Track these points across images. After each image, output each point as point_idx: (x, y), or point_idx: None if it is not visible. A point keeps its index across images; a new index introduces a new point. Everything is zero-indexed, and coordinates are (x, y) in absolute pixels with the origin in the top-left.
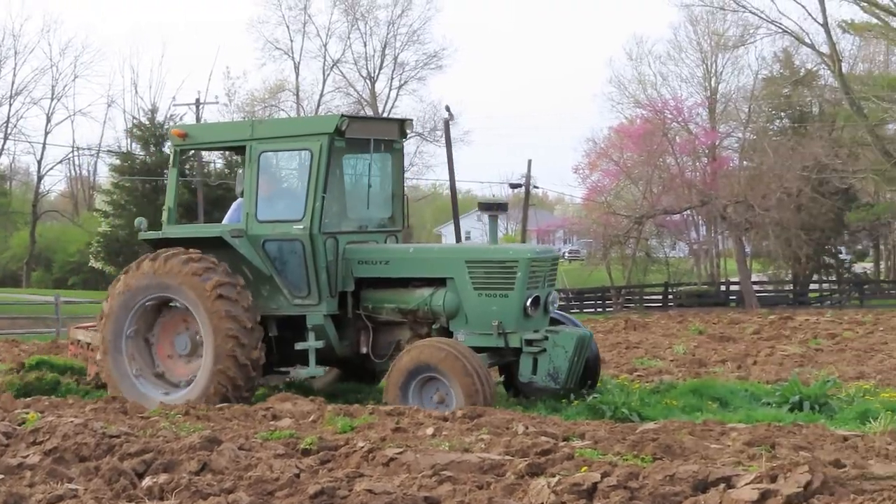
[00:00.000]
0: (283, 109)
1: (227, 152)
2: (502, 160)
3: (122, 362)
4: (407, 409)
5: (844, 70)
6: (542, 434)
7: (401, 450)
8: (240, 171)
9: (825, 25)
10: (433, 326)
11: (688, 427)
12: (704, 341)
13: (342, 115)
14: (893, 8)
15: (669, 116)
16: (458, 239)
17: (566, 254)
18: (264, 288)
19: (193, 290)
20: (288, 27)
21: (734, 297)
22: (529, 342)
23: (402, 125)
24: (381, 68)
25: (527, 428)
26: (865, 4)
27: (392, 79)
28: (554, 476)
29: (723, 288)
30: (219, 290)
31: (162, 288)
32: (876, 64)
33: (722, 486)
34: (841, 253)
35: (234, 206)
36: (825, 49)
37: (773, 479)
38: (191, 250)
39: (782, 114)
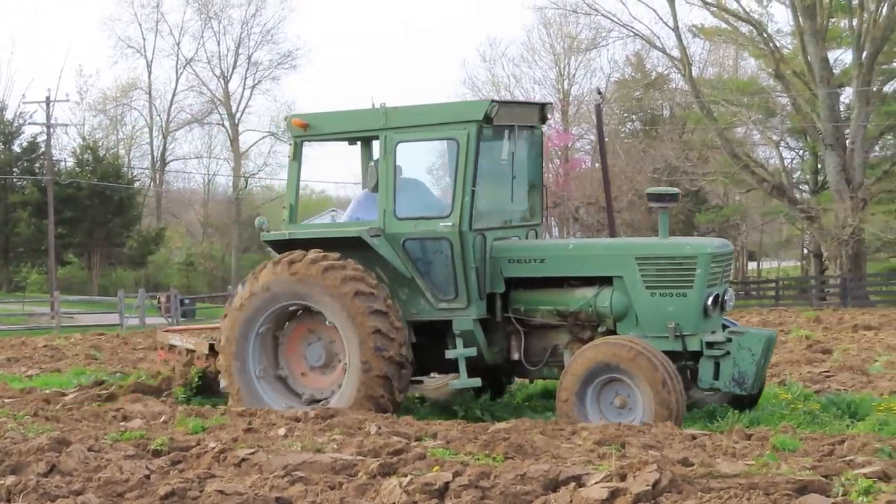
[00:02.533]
0: (135, 108)
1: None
2: (357, 162)
3: (244, 361)
4: (259, 409)
5: (695, 74)
6: (395, 434)
7: (252, 450)
8: (370, 163)
9: (676, 30)
10: (598, 329)
11: (539, 427)
12: None
13: (492, 101)
14: (742, 13)
15: None
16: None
17: None
18: (402, 291)
19: (329, 292)
20: (140, 25)
21: None
22: (711, 345)
23: (543, 109)
24: (234, 67)
25: (379, 428)
26: (715, 9)
27: (246, 78)
28: (406, 476)
29: None
30: (356, 286)
31: (300, 297)
32: (725, 68)
33: (572, 484)
34: None
35: (356, 200)
36: (676, 53)
37: (623, 478)
38: (327, 254)
39: (634, 116)
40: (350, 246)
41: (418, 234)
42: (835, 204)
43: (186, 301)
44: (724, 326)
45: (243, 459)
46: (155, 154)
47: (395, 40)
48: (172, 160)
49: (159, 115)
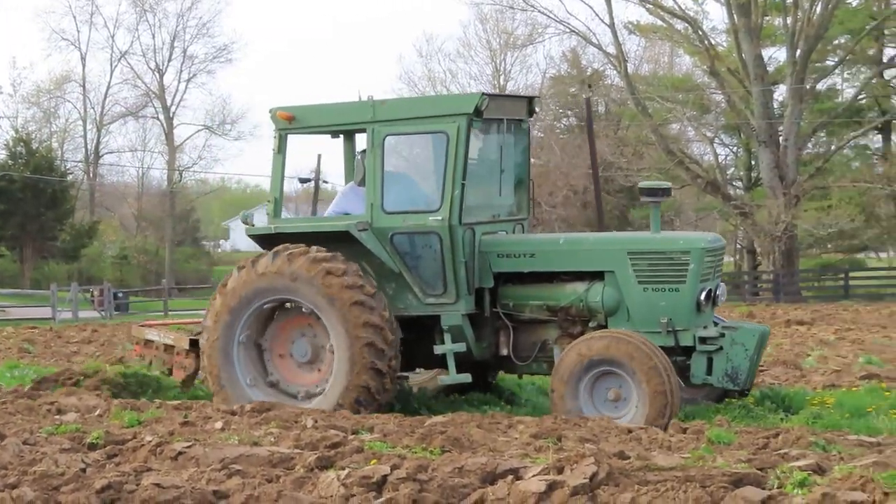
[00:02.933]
0: (68, 101)
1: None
2: (293, 155)
3: (233, 371)
4: (195, 402)
5: (630, 70)
6: (332, 427)
7: (189, 444)
8: (357, 156)
9: (612, 26)
10: (589, 325)
11: (476, 420)
12: None
13: (482, 94)
14: (678, 10)
15: None
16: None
17: None
18: (389, 286)
19: (326, 296)
20: (75, 17)
21: None
22: (703, 340)
23: (531, 103)
24: (169, 60)
25: (316, 422)
26: (651, 7)
27: (181, 71)
28: (343, 469)
29: None
30: (355, 295)
31: (286, 290)
32: (661, 65)
33: (510, 477)
34: None
35: (342, 193)
36: (612, 49)
37: (560, 471)
38: (312, 247)
39: (569, 112)
40: (337, 240)
41: (407, 228)
42: (768, 200)
43: (120, 295)
44: (715, 322)
45: (180, 453)
46: (89, 147)
47: (328, 35)
48: (106, 153)
49: (93, 108)
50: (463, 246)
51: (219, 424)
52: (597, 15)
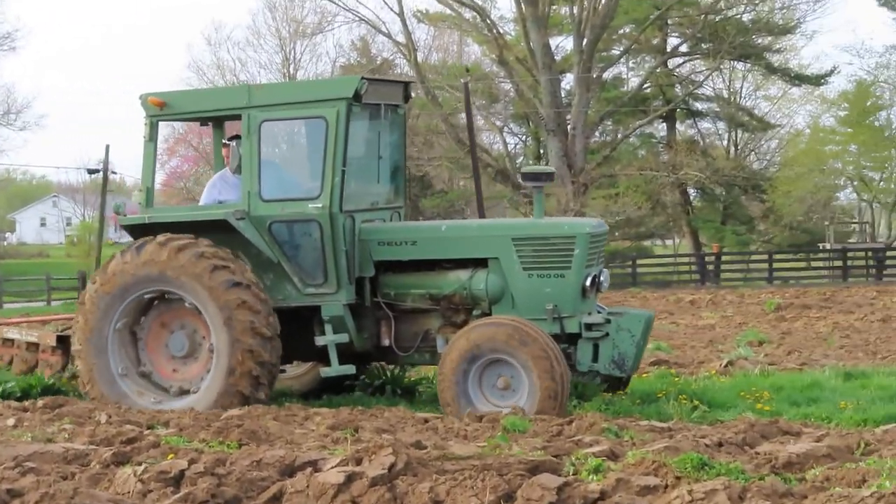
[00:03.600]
0: None
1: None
2: (80, 145)
3: (105, 358)
4: None
5: (420, 59)
6: (127, 423)
7: None
8: (232, 143)
9: (401, 15)
10: (472, 313)
11: (272, 413)
12: None
13: (362, 78)
14: (467, 0)
15: None
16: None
17: None
18: (267, 276)
19: (208, 291)
20: None
21: None
22: (589, 326)
23: (407, 88)
24: None
25: (110, 417)
26: None
27: None
28: (140, 464)
29: None
30: (239, 293)
31: (169, 282)
32: (450, 54)
33: (309, 469)
34: None
35: (212, 183)
36: (401, 38)
37: (359, 462)
38: (200, 240)
39: None
40: (212, 229)
41: (285, 216)
42: (557, 188)
43: None
44: (598, 310)
45: None
46: None
47: (116, 25)
48: None
49: None
50: (344, 234)
51: (11, 421)
52: (386, 3)
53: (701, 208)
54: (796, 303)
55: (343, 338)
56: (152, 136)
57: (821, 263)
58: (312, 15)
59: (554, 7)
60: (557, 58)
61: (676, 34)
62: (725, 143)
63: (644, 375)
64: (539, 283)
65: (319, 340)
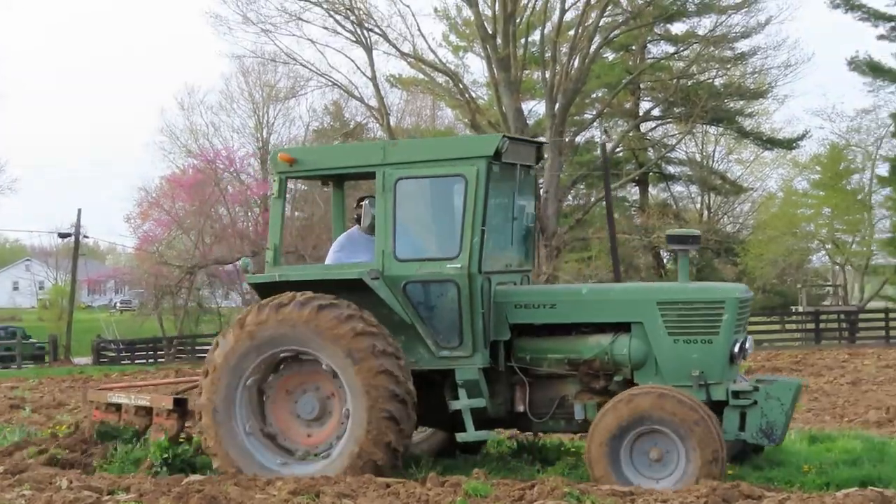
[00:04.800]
0: None
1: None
2: (52, 209)
3: (233, 415)
4: None
5: (392, 123)
6: (87, 488)
7: None
8: (365, 202)
9: (374, 80)
10: (613, 379)
11: (234, 479)
12: None
13: (503, 136)
14: (439, 64)
15: (221, 166)
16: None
17: (117, 304)
18: (399, 339)
19: (349, 355)
20: None
21: None
22: (737, 394)
23: (540, 149)
24: None
25: (70, 482)
26: (412, 60)
27: None
28: None
29: None
30: (382, 360)
31: (303, 342)
32: (423, 117)
33: None
34: None
35: (339, 243)
36: (374, 102)
37: None
38: (342, 301)
39: None
40: (343, 290)
41: (421, 276)
42: None
43: None
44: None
45: None
46: None
47: (91, 84)
48: None
49: None
50: (481, 296)
51: None
52: (358, 68)
53: (673, 271)
54: (767, 365)
55: (480, 402)
56: (281, 193)
57: (794, 326)
58: (285, 79)
59: (526, 72)
60: (530, 122)
61: (649, 98)
62: (698, 206)
63: None
64: (685, 348)
65: (455, 405)
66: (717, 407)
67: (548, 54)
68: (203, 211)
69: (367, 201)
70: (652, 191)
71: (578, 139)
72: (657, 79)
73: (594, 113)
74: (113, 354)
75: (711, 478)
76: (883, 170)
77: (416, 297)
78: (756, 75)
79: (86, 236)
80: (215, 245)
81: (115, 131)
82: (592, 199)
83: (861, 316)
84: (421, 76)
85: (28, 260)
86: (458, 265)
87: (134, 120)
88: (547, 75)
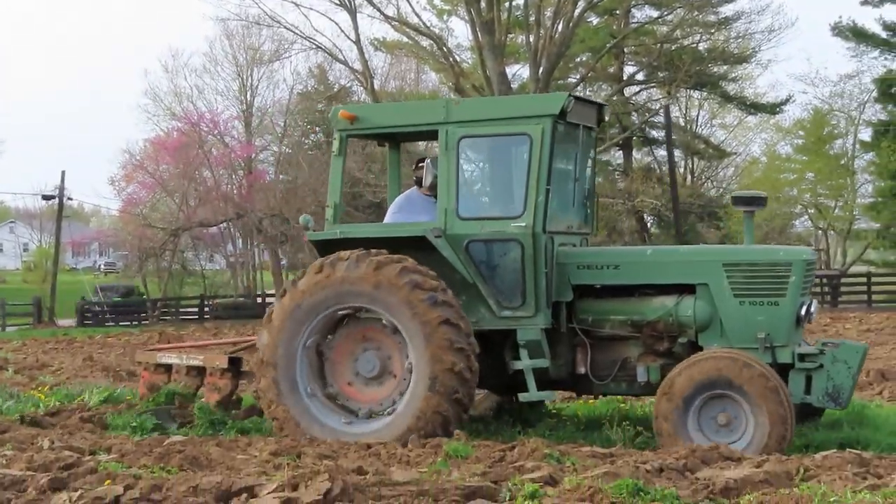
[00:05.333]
0: None
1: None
2: (36, 171)
3: (294, 378)
4: None
5: (377, 86)
6: (68, 448)
7: None
8: (427, 160)
9: (358, 43)
10: (677, 340)
11: (216, 439)
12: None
13: (569, 95)
14: (423, 28)
15: (205, 129)
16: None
17: (102, 266)
18: (460, 298)
19: (413, 312)
20: None
21: None
22: (803, 357)
23: (601, 111)
24: None
25: (52, 442)
26: (396, 24)
27: None
28: (76, 490)
29: (259, 300)
30: (440, 311)
31: (367, 300)
32: (407, 81)
33: (245, 495)
34: None
35: (397, 203)
36: (358, 66)
37: (295, 488)
38: (402, 256)
39: (317, 128)
40: (405, 248)
41: (484, 235)
42: None
43: None
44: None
45: None
46: None
47: (71, 43)
48: None
49: None
50: (545, 256)
51: None
52: (343, 31)
53: (657, 235)
54: None
55: (543, 363)
56: (341, 151)
57: None
58: (269, 42)
59: (510, 36)
60: (514, 85)
61: (633, 63)
62: (682, 170)
63: (590, 402)
64: (751, 310)
65: (517, 365)
66: (783, 370)
67: (532, 18)
68: (187, 173)
69: (428, 161)
70: (636, 155)
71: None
72: (641, 43)
73: (578, 77)
74: (97, 316)
75: (780, 445)
76: (865, 135)
77: (479, 256)
78: (740, 40)
79: (70, 198)
80: (199, 207)
81: (100, 94)
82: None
83: (843, 280)
84: (405, 39)
85: (12, 222)
86: (523, 224)
87: (118, 83)
88: (531, 39)
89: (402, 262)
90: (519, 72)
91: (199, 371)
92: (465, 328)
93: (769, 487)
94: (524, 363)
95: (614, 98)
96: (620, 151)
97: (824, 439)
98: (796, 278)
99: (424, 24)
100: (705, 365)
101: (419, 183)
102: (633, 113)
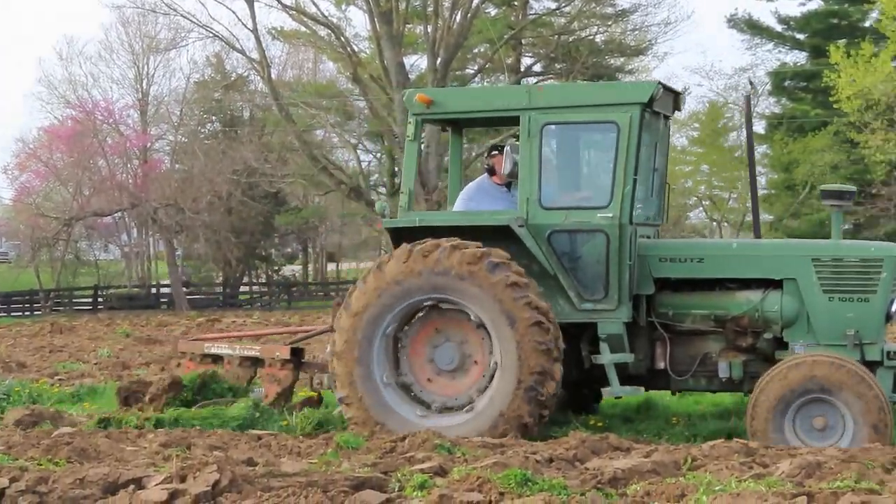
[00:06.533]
0: None
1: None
2: None
3: (371, 365)
4: None
5: (274, 76)
6: None
7: None
8: (506, 146)
9: (255, 32)
10: (762, 336)
11: (105, 431)
12: (131, 344)
13: (658, 83)
14: (321, 17)
15: (100, 118)
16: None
17: None
18: (539, 289)
19: (501, 307)
20: None
21: (165, 300)
22: (891, 355)
23: (678, 99)
24: None
25: None
26: (294, 13)
27: None
28: None
29: (154, 290)
30: (533, 313)
31: (439, 290)
32: (305, 71)
33: (132, 487)
34: (271, 255)
35: (467, 192)
36: (255, 55)
37: (183, 479)
38: (466, 242)
39: (214, 117)
40: (484, 237)
41: (568, 225)
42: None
43: None
44: None
45: None
46: None
47: None
48: None
49: None
50: (630, 247)
51: None
52: (240, 20)
53: None
54: None
55: (626, 357)
56: (416, 136)
57: None
58: (166, 30)
59: (409, 26)
60: (412, 76)
61: (530, 54)
62: None
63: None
64: (840, 306)
65: (600, 359)
66: (870, 367)
67: (430, 8)
68: (81, 162)
69: (507, 147)
70: None
71: None
72: (539, 35)
73: (476, 68)
74: None
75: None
76: (759, 127)
77: (561, 246)
78: (636, 32)
79: None
80: (94, 197)
81: None
82: (473, 154)
83: None
84: (303, 29)
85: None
86: (610, 215)
87: (12, 70)
88: (429, 29)
89: (496, 257)
90: (417, 62)
91: (254, 362)
92: (554, 332)
93: (656, 477)
94: (606, 358)
95: None
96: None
97: (713, 429)
98: (888, 274)
99: (322, 13)
100: (804, 370)
101: (490, 171)
102: None
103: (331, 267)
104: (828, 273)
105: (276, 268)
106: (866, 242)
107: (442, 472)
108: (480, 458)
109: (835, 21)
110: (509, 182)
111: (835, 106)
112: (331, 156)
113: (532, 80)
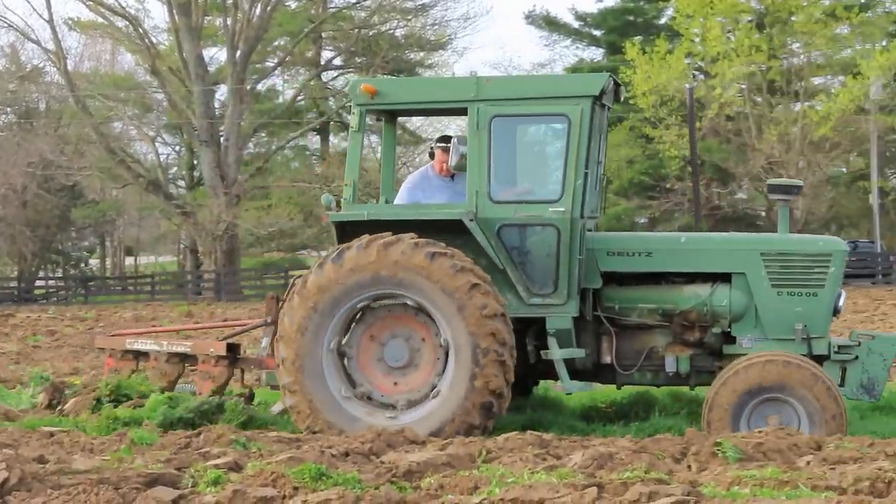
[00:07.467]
0: None
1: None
2: None
3: (325, 385)
4: None
5: (70, 67)
6: None
7: None
8: (454, 139)
9: (51, 22)
10: (710, 331)
11: None
12: None
13: (609, 75)
14: (119, 8)
15: None
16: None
17: None
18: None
19: (448, 296)
20: None
21: None
22: (839, 349)
23: (619, 89)
24: None
25: None
26: (91, 3)
27: None
28: None
29: None
30: (484, 300)
31: (398, 285)
32: (102, 62)
33: None
34: (68, 249)
35: (411, 182)
36: (51, 46)
37: None
38: (428, 240)
39: (8, 109)
40: (432, 230)
41: (518, 220)
42: (210, 200)
43: None
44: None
45: None
46: None
47: None
48: None
49: None
50: (580, 241)
51: None
52: (35, 10)
53: None
54: None
55: (577, 352)
56: (360, 127)
57: None
58: None
59: (208, 18)
60: (211, 69)
61: (330, 48)
62: (379, 155)
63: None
64: (789, 301)
65: (550, 355)
66: (818, 361)
67: (229, 1)
68: None
69: (454, 139)
70: (333, 140)
71: (259, 87)
72: (338, 28)
73: (276, 61)
74: None
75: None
76: None
77: (511, 240)
78: (436, 27)
79: None
80: None
81: None
82: (273, 148)
83: None
84: (100, 20)
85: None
86: (561, 209)
87: None
88: (228, 22)
89: (457, 259)
90: (216, 55)
91: (182, 358)
92: (507, 317)
93: (451, 469)
94: (556, 353)
95: (311, 83)
96: (318, 136)
97: (508, 422)
98: (835, 269)
99: (120, 4)
100: (759, 369)
101: (433, 157)
102: (331, 98)
103: (129, 261)
104: (776, 267)
105: (82, 262)
106: (815, 237)
107: (237, 467)
108: (276, 452)
109: (631, 18)
110: (453, 174)
111: (630, 102)
112: (129, 148)
113: (332, 73)
